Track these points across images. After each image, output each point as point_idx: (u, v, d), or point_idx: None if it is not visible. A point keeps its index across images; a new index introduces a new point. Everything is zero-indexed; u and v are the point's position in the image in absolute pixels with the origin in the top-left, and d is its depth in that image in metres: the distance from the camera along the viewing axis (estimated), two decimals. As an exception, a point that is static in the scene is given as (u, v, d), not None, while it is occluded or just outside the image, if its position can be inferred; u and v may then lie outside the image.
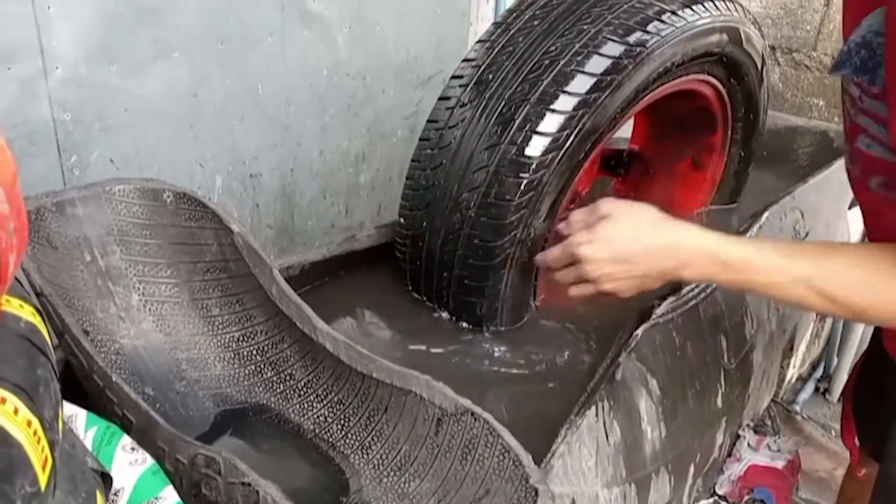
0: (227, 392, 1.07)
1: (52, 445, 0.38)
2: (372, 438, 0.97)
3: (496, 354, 1.21)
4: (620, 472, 1.02)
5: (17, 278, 0.49)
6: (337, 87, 1.87)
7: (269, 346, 1.08)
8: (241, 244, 1.06)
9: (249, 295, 1.09)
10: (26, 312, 0.42)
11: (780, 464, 1.46)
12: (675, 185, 1.64)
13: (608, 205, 0.95)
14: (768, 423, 1.66)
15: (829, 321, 2.60)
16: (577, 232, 0.97)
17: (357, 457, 0.96)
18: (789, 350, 1.64)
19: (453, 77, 1.25)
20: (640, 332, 1.09)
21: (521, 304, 1.26)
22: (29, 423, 0.36)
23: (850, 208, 1.75)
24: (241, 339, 1.10)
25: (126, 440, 0.70)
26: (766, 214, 1.40)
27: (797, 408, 2.40)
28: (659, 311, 1.14)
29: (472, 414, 0.86)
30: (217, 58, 1.60)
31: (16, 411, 0.35)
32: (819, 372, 2.55)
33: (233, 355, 1.09)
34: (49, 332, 0.46)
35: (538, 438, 0.96)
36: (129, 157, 1.52)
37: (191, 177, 1.64)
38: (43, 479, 0.36)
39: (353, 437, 0.98)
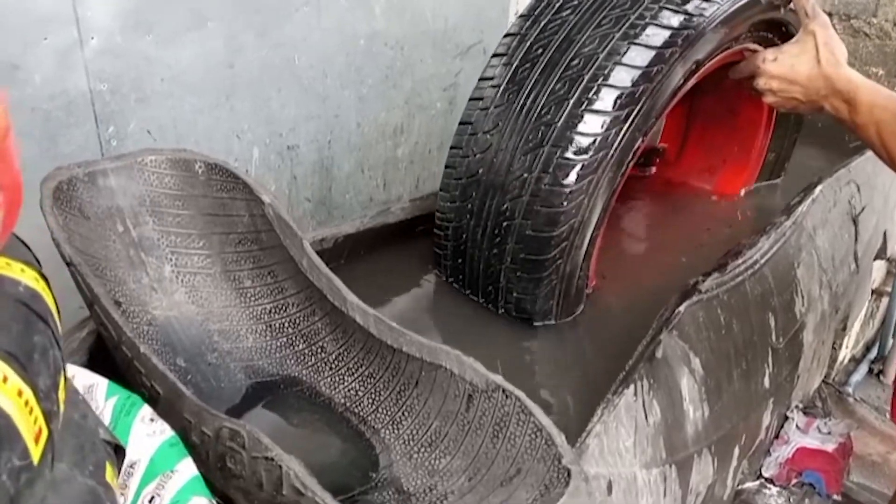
0: (259, 364, 1.06)
1: (47, 416, 0.37)
2: (402, 413, 0.94)
3: (549, 348, 1.18)
4: (660, 453, 0.99)
5: (24, 244, 0.47)
6: (374, 58, 1.84)
7: (301, 319, 1.06)
8: (272, 215, 1.04)
9: (281, 267, 1.07)
10: (28, 277, 0.41)
11: (830, 447, 1.41)
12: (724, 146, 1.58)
13: (818, 26, 1.10)
14: (818, 404, 1.60)
15: (884, 301, 2.50)
16: (768, 49, 1.15)
17: (387, 432, 0.94)
18: (842, 330, 1.57)
19: (501, 44, 1.21)
20: (682, 308, 1.04)
21: (576, 295, 1.21)
22: (20, 393, 0.34)
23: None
24: (272, 311, 1.08)
25: (146, 411, 0.68)
26: (819, 188, 1.33)
27: (850, 389, 2.31)
28: (703, 287, 1.09)
29: (504, 391, 0.83)
30: (253, 28, 1.58)
31: (4, 380, 0.34)
32: (873, 353, 2.46)
33: (265, 327, 1.08)
34: (55, 300, 0.44)
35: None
36: (167, 127, 1.52)
37: (228, 148, 1.63)
38: (35, 452, 0.35)
39: (384, 411, 0.97)
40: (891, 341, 2.34)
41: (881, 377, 2.34)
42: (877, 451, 2.17)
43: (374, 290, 1.25)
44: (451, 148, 1.22)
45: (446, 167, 1.23)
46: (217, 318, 1.08)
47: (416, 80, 1.95)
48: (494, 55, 1.21)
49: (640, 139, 1.11)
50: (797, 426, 1.39)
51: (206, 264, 1.10)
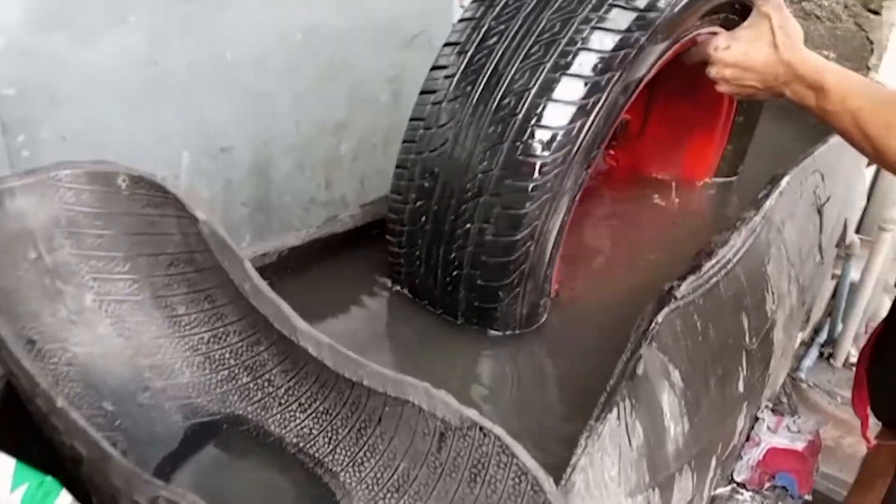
0: (198, 402, 0.95)
1: None
2: (364, 454, 0.85)
3: (513, 360, 1.10)
4: (644, 478, 0.92)
5: None
6: (313, 51, 1.72)
7: (244, 349, 0.95)
8: (208, 234, 0.93)
9: (219, 291, 0.96)
10: None
11: (800, 445, 1.37)
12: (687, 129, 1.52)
13: (772, 8, 1.04)
14: (784, 400, 1.57)
15: (833, 284, 2.51)
16: (720, 35, 1.10)
17: (348, 475, 0.85)
18: (805, 322, 1.54)
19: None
20: (660, 318, 0.97)
21: (539, 302, 1.14)
22: None
23: (868, 165, 1.64)
24: (211, 340, 0.97)
25: (63, 500, 0.57)
26: (786, 178, 1.28)
27: (802, 375, 2.31)
28: (679, 292, 1.02)
29: (481, 428, 0.75)
30: (178, 21, 1.45)
31: None
32: (823, 336, 2.47)
33: (203, 360, 0.97)
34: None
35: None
36: (84, 134, 1.38)
37: (155, 154, 1.50)
38: None
39: (343, 452, 0.87)
40: (840, 325, 2.35)
41: (831, 360, 2.35)
42: (830, 435, 2.17)
43: (323, 306, 1.15)
44: (404, 142, 1.13)
45: (397, 167, 1.13)
46: (148, 351, 0.96)
47: (359, 74, 1.84)
48: (422, 91, 1.13)
49: (585, 173, 1.06)
50: (767, 427, 1.35)
51: (133, 290, 0.98)
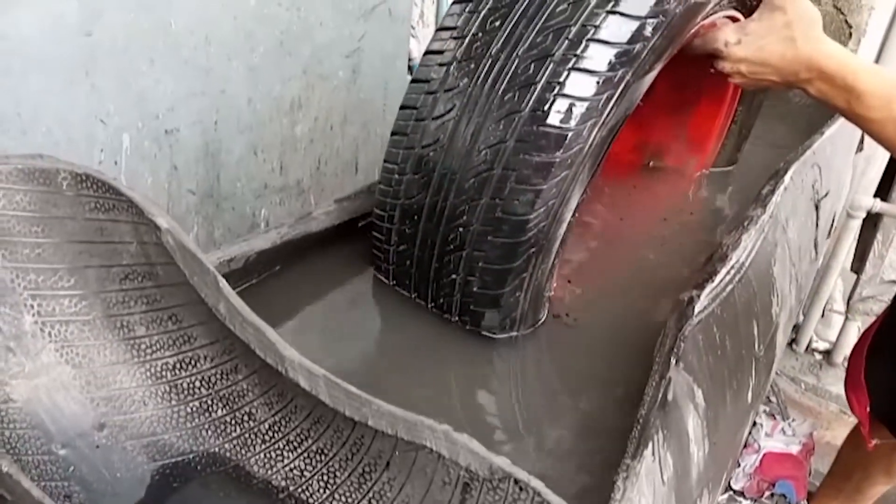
0: (165, 439, 0.81)
1: None
2: (370, 502, 0.73)
3: (514, 365, 1.00)
4: (672, 513, 0.83)
5: None
6: (266, 21, 1.55)
7: (218, 377, 0.82)
8: (173, 245, 0.79)
9: (186, 310, 0.82)
10: None
11: (795, 448, 1.32)
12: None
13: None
14: (773, 399, 1.52)
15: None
16: (727, 27, 1.00)
17: (351, 528, 0.73)
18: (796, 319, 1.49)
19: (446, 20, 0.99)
20: (686, 333, 0.88)
21: (540, 303, 1.05)
22: None
23: (856, 153, 1.59)
24: (177, 366, 0.83)
25: None
26: (789, 174, 1.21)
27: (765, 361, 2.29)
28: (699, 305, 0.93)
29: (516, 481, 0.64)
30: (115, -15, 1.28)
31: None
32: (783, 321, 2.46)
33: (168, 389, 0.83)
34: None
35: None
36: (8, 116, 1.20)
37: (90, 137, 1.32)
38: None
39: (343, 498, 0.75)
40: (801, 316, 2.33)
41: (794, 347, 2.34)
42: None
43: (302, 316, 1.02)
44: (393, 134, 1.01)
45: (386, 161, 1.01)
46: (102, 381, 0.82)
47: (315, 47, 1.69)
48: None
49: (590, 181, 0.98)
50: (765, 432, 1.30)
51: (82, 309, 0.84)
